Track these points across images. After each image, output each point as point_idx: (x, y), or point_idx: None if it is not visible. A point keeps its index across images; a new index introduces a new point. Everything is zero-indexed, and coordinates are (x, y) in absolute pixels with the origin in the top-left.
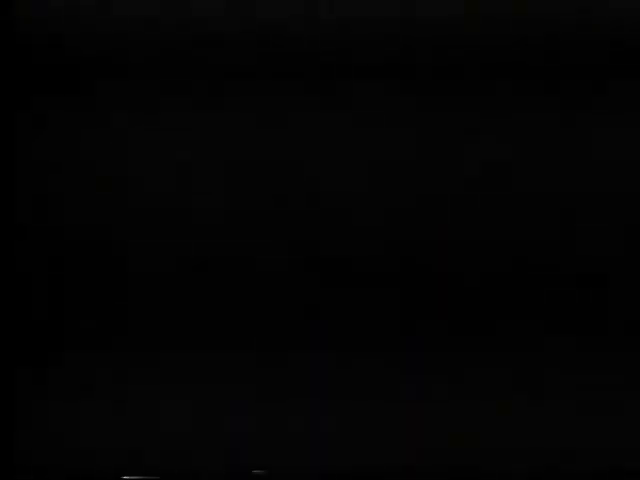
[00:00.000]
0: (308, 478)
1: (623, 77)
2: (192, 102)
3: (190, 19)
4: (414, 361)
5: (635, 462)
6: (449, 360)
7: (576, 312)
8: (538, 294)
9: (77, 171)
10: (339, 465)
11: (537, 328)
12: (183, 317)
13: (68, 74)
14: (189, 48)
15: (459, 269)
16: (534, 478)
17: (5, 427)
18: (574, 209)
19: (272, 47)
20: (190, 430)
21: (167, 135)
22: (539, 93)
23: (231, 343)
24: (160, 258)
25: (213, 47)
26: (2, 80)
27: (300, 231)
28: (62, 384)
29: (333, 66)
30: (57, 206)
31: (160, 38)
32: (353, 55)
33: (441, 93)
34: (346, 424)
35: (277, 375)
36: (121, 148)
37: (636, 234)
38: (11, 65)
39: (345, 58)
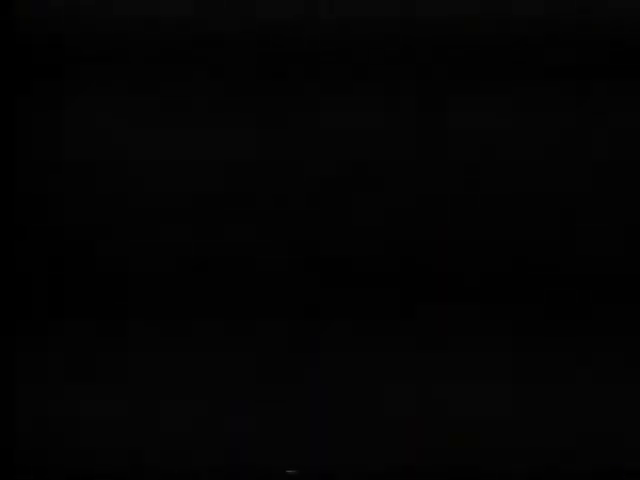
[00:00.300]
0: (308, 478)
1: (623, 77)
2: (192, 102)
3: (190, 19)
4: (414, 361)
5: (635, 462)
6: (449, 359)
7: (576, 312)
8: (538, 294)
9: (77, 171)
10: (338, 466)
11: (536, 328)
12: (183, 318)
13: (68, 74)
14: (189, 48)
15: (459, 269)
16: (534, 478)
17: (5, 427)
18: (574, 209)
19: (272, 47)
20: (190, 430)
21: (167, 135)
22: (539, 93)
23: (231, 343)
24: (160, 258)
25: (213, 47)
26: (2, 80)
27: (300, 231)
28: (62, 385)
29: (333, 66)
30: (57, 206)
31: (160, 38)
32: (353, 55)
33: (440, 93)
34: (346, 425)
35: (276, 375)
36: (121, 148)
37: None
38: (11, 65)
39: (345, 58)
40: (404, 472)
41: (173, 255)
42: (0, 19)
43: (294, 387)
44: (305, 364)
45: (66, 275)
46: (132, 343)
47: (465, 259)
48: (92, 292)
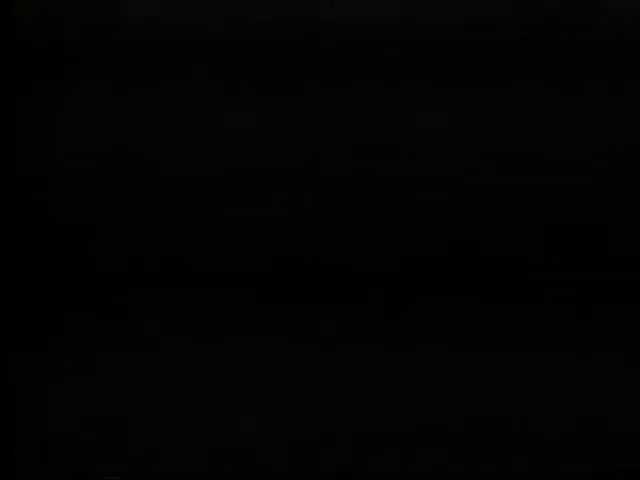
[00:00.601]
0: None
1: (623, 77)
2: (192, 102)
3: (190, 19)
4: (413, 360)
5: (635, 462)
6: (449, 359)
7: (576, 314)
8: (538, 294)
9: (77, 171)
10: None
11: (537, 329)
12: (183, 316)
13: (68, 74)
14: (189, 48)
15: (459, 268)
16: (534, 478)
17: (5, 427)
18: (574, 208)
19: (272, 47)
20: (192, 430)
21: (166, 135)
22: (539, 93)
23: (231, 342)
24: (158, 260)
25: (213, 47)
26: (2, 80)
27: (300, 230)
28: (61, 383)
29: (334, 66)
30: (57, 206)
31: (160, 38)
32: (353, 55)
33: (441, 93)
34: (344, 423)
35: (277, 373)
36: (121, 148)
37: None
38: (11, 65)
39: (345, 58)
40: (402, 472)
41: (172, 256)
42: (0, 19)
43: (293, 386)
44: (305, 364)
45: (66, 275)
46: (131, 341)
47: (465, 258)
48: (92, 292)
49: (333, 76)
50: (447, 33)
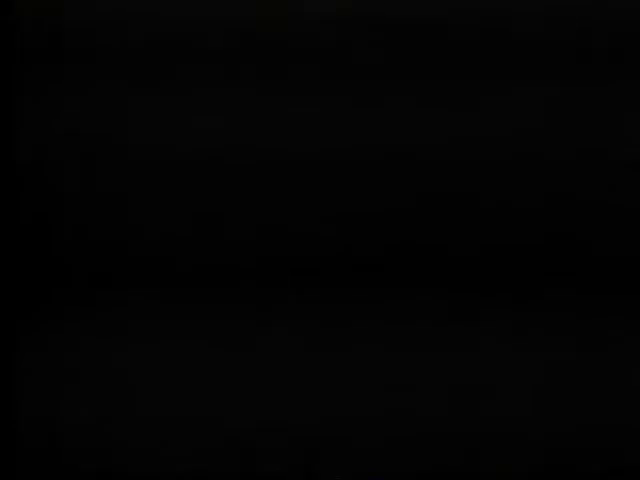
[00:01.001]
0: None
1: (623, 77)
2: (192, 102)
3: (190, 18)
4: (412, 358)
5: (636, 461)
6: (449, 358)
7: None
8: (538, 292)
9: (77, 170)
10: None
11: (537, 327)
12: (182, 315)
13: (68, 73)
14: (190, 47)
15: (458, 267)
16: (534, 478)
17: (6, 428)
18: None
19: (270, 49)
20: (195, 430)
21: (166, 134)
22: (539, 93)
23: (231, 343)
24: (155, 264)
25: (213, 47)
26: (2, 79)
27: (300, 229)
28: (62, 385)
29: (335, 66)
30: (57, 205)
31: (162, 38)
32: (354, 55)
33: (443, 93)
34: (344, 424)
35: (280, 374)
36: (121, 147)
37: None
38: (11, 64)
39: (346, 58)
40: (403, 472)
41: (170, 256)
42: (0, 19)
43: (294, 386)
44: (304, 363)
45: (65, 274)
46: (130, 340)
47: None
48: (92, 290)
49: (335, 75)
50: (449, 33)
